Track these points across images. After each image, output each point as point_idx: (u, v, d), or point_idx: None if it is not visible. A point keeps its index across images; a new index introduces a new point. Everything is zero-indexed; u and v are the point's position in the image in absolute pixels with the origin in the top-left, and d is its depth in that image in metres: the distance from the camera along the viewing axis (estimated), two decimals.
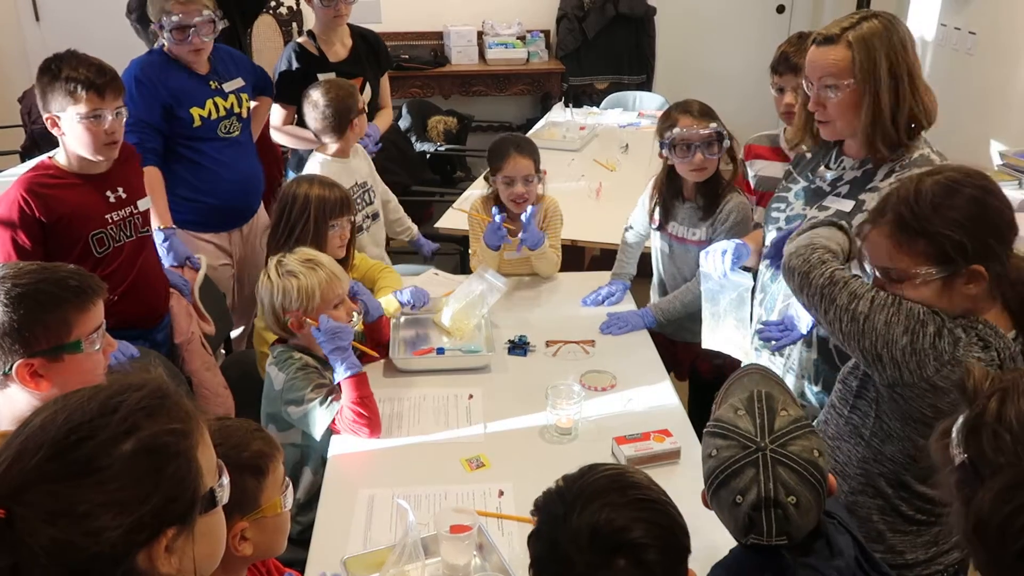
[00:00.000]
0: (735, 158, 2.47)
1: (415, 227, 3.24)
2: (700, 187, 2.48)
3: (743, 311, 2.09)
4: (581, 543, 1.06)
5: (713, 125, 2.39)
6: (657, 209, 2.57)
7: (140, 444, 0.86)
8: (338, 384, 2.01)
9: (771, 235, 2.04)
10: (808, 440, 1.21)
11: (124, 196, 2.33)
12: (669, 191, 2.54)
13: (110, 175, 2.30)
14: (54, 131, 2.18)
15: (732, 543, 1.29)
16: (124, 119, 2.24)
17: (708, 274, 2.12)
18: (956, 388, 0.92)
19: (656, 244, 2.65)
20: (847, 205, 1.87)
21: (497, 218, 2.61)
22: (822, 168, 1.97)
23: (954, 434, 0.90)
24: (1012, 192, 3.37)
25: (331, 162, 2.87)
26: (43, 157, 2.30)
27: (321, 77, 3.20)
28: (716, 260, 2.09)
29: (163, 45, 2.77)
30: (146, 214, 2.41)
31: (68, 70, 2.13)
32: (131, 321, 2.30)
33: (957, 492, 0.88)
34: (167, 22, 2.66)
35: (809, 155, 2.02)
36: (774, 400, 1.25)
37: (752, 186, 2.71)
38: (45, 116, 2.17)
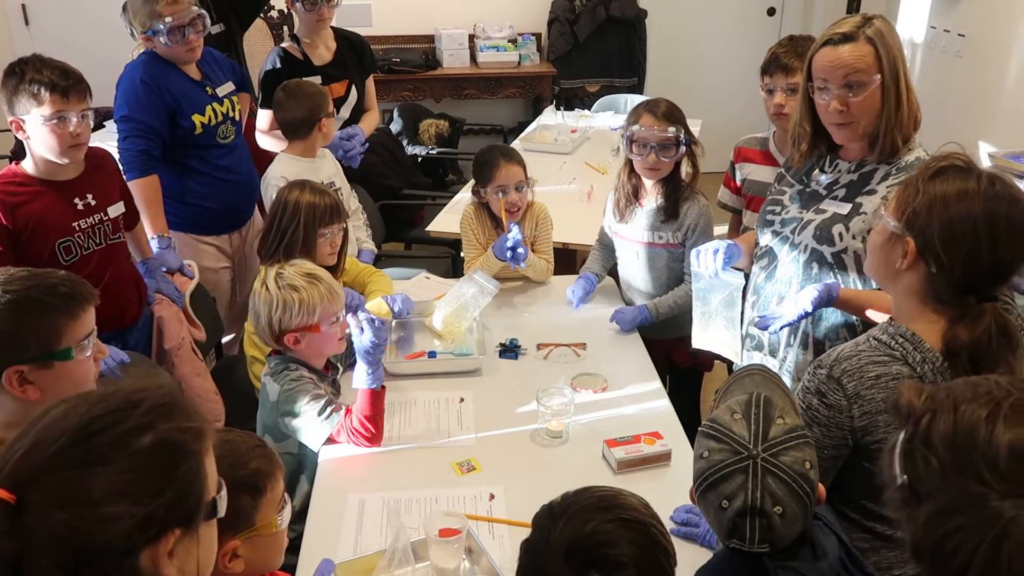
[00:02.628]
0: (696, 163, 2.48)
1: (370, 243, 3.13)
2: (661, 186, 2.48)
3: (733, 310, 2.10)
4: (558, 556, 1.08)
5: (672, 129, 2.39)
6: (621, 202, 2.57)
7: (159, 438, 0.88)
8: (338, 394, 2.00)
9: (765, 238, 2.04)
10: (801, 452, 1.21)
11: (93, 203, 2.31)
12: (630, 184, 2.54)
13: (79, 181, 2.28)
14: (19, 135, 2.17)
15: None
16: (91, 122, 2.23)
17: (699, 273, 2.12)
18: (890, 409, 0.91)
19: (621, 252, 2.66)
20: (844, 208, 1.87)
21: (514, 229, 2.58)
22: (816, 171, 1.97)
23: (896, 454, 0.90)
24: None
25: (296, 161, 2.89)
26: (9, 165, 2.28)
27: None
28: (708, 259, 2.08)
29: (149, 50, 2.75)
30: (116, 221, 2.39)
31: (32, 72, 2.12)
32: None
33: (901, 510, 0.87)
34: (160, 27, 2.64)
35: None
36: (772, 407, 1.24)
37: (741, 189, 2.72)
38: (10, 120, 2.16)
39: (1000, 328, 1.35)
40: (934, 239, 1.36)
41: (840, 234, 1.87)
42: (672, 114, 2.43)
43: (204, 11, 2.73)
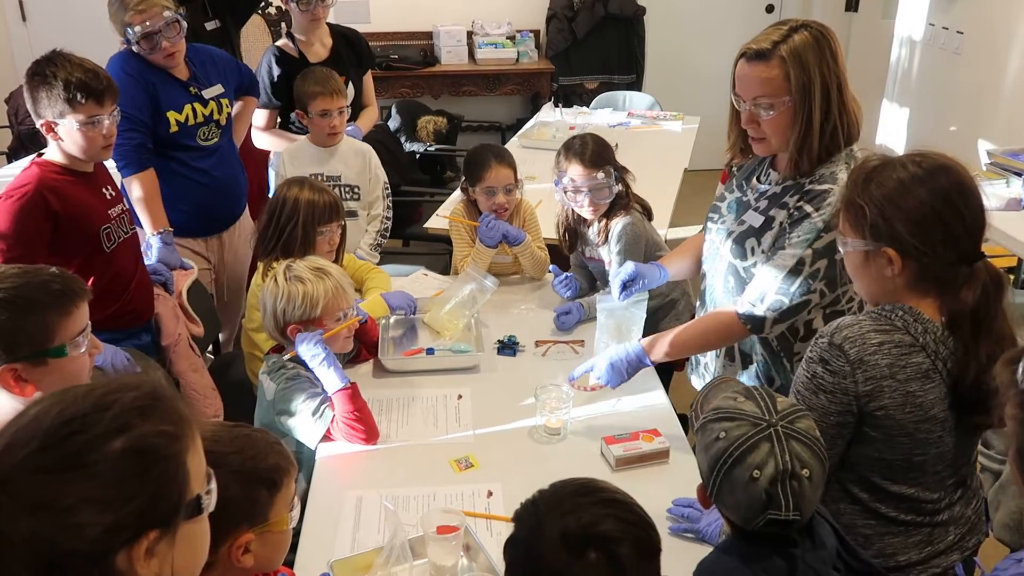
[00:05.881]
0: (627, 185, 2.52)
1: (368, 253, 3.09)
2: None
3: (617, 339, 2.13)
4: (553, 543, 1.10)
5: (601, 175, 2.42)
6: (569, 235, 2.64)
7: (130, 443, 0.86)
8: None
9: (706, 245, 2.05)
10: (809, 421, 1.26)
11: (114, 193, 2.34)
12: (575, 216, 2.60)
13: (97, 175, 2.30)
14: (49, 136, 2.16)
15: None
16: (118, 120, 2.24)
17: (603, 299, 2.20)
18: None
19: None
20: (758, 221, 1.86)
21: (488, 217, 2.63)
22: (754, 180, 1.95)
23: (1022, 364, 1.02)
24: (1000, 191, 3.39)
25: (306, 144, 3.02)
26: (33, 156, 2.27)
27: None
28: (614, 282, 2.15)
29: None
30: (129, 212, 2.42)
31: (64, 74, 2.09)
32: (139, 316, 2.37)
33: (1019, 412, 1.02)
34: (131, 34, 2.60)
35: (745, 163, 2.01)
36: (769, 389, 1.30)
37: None
38: (40, 122, 2.14)
39: (994, 280, 1.41)
40: (907, 238, 1.39)
41: (752, 248, 1.86)
42: (599, 155, 2.45)
43: (179, 16, 2.65)
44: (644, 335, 2.56)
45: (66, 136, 2.15)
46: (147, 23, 2.59)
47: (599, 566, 1.08)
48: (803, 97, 1.71)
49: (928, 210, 1.38)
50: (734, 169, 2.09)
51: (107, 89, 2.16)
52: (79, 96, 2.10)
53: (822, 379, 1.45)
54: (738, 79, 1.79)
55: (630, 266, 2.13)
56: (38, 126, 2.17)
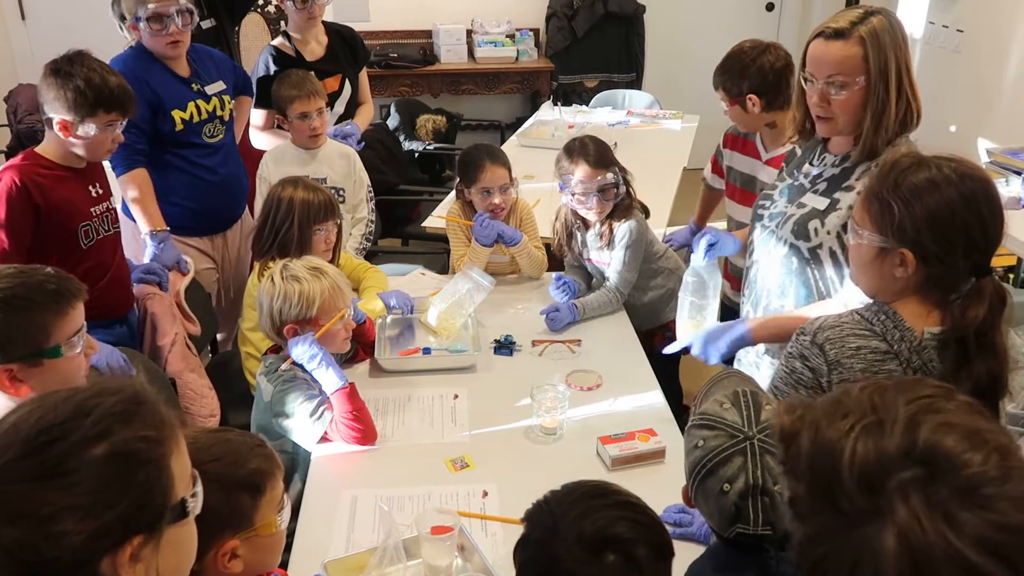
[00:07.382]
0: (629, 185, 2.54)
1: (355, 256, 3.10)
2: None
3: (700, 299, 2.15)
4: (570, 544, 1.10)
5: (610, 175, 2.45)
6: (565, 238, 2.67)
7: (111, 449, 0.85)
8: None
9: (755, 232, 2.05)
10: None
11: (101, 191, 2.34)
12: (575, 218, 2.62)
13: (88, 171, 2.31)
14: (62, 134, 2.17)
15: None
16: (124, 125, 2.28)
17: (693, 267, 2.19)
18: (774, 432, 0.87)
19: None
20: (822, 203, 1.87)
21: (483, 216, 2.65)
22: (807, 165, 1.96)
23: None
24: (1000, 190, 3.38)
25: (290, 146, 3.03)
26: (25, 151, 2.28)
27: None
28: (698, 246, 2.18)
29: (139, 41, 2.73)
30: (115, 211, 2.42)
31: (98, 80, 2.15)
32: (112, 310, 2.37)
33: (792, 528, 0.82)
34: (143, 12, 2.62)
35: (799, 152, 2.02)
36: (759, 396, 1.28)
37: (725, 174, 2.76)
38: (57, 119, 2.15)
39: (1000, 296, 1.40)
40: (929, 243, 1.39)
41: (815, 230, 1.86)
42: (604, 157, 2.49)
43: (192, 7, 2.68)
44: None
45: (84, 135, 2.17)
46: (160, 4, 2.61)
47: (617, 567, 1.09)
48: (879, 78, 1.74)
49: (954, 212, 1.37)
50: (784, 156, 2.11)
51: (130, 101, 2.23)
52: (110, 103, 2.16)
53: (801, 375, 1.46)
54: (812, 58, 1.81)
55: (714, 231, 2.17)
56: (52, 117, 2.17)
